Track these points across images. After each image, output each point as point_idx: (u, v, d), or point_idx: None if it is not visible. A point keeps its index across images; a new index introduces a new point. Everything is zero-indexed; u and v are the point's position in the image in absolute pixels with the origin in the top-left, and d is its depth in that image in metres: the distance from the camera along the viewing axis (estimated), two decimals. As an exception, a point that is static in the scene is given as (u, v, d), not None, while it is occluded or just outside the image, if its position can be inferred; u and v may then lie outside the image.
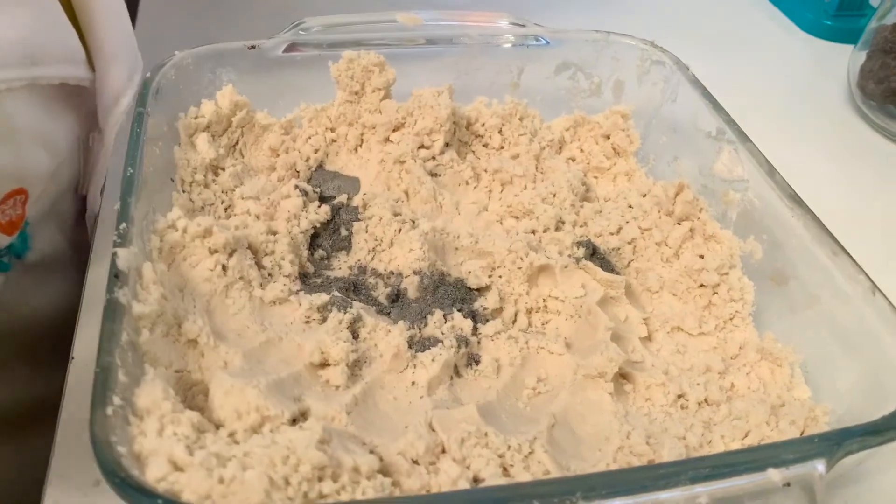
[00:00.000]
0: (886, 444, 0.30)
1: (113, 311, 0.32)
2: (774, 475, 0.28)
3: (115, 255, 0.34)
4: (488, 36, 0.55)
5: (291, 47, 0.52)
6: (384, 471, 0.31)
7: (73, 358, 0.42)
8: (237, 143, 0.50)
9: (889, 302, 0.36)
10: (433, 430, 0.33)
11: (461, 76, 0.56)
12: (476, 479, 0.31)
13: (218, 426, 0.31)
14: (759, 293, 0.43)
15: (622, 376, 0.40)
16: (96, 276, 0.46)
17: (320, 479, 0.28)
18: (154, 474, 0.26)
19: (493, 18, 0.56)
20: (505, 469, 0.32)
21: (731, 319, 0.43)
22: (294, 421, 0.32)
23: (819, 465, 0.29)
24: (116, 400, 0.28)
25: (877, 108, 0.65)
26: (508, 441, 0.33)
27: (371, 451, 0.32)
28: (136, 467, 0.27)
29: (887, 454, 0.38)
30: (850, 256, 0.39)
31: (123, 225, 0.36)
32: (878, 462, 0.40)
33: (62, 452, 0.37)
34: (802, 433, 0.36)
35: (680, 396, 0.39)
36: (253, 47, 0.51)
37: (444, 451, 0.32)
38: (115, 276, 0.33)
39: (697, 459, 0.30)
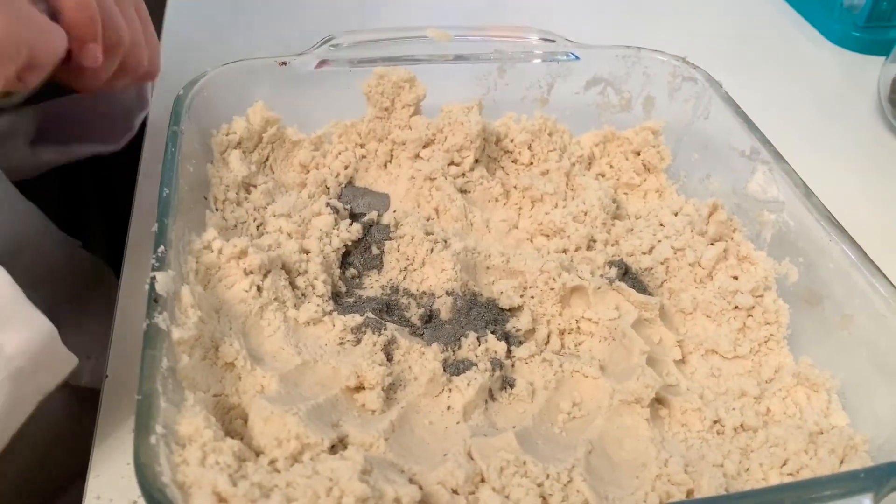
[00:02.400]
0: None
1: (154, 337, 0.32)
2: (821, 512, 0.28)
3: (153, 279, 0.34)
4: (518, 51, 0.55)
5: (322, 63, 0.52)
6: (424, 500, 0.31)
7: (107, 376, 0.42)
8: (267, 158, 0.50)
9: (931, 329, 0.36)
10: (472, 459, 0.33)
11: (490, 91, 0.56)
12: (516, 510, 0.31)
13: (258, 453, 0.31)
14: (795, 316, 0.43)
15: (657, 401, 0.39)
16: (128, 293, 0.46)
17: (363, 511, 0.28)
18: (199, 506, 0.27)
19: (523, 33, 0.55)
20: (544, 499, 0.32)
21: (765, 342, 0.43)
22: (333, 448, 0.32)
23: (866, 501, 0.28)
24: (159, 429, 0.28)
25: (908, 122, 0.64)
26: (547, 469, 0.33)
27: (410, 480, 0.32)
28: (180, 497, 0.27)
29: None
30: (890, 282, 0.38)
31: (161, 248, 0.36)
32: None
33: (98, 472, 0.38)
34: (842, 463, 0.35)
35: (716, 422, 0.39)
36: (284, 63, 0.51)
37: (483, 480, 0.32)
38: (155, 301, 0.33)
39: (742, 495, 0.29)
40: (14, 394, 0.35)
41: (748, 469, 0.36)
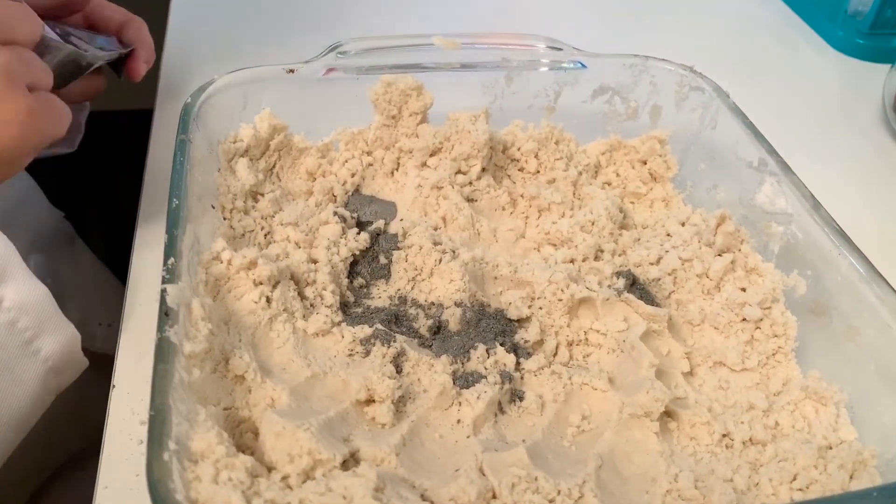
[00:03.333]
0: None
1: (165, 351, 0.32)
2: (834, 531, 0.28)
3: (164, 291, 0.34)
4: (525, 60, 0.55)
5: (329, 70, 0.51)
6: (436, 517, 0.31)
7: (114, 386, 0.42)
8: (274, 166, 0.50)
9: (940, 344, 0.36)
10: (483, 475, 0.33)
11: (497, 99, 0.56)
12: (528, 526, 0.31)
13: (269, 468, 0.31)
14: (802, 328, 0.43)
15: (666, 414, 0.39)
16: (134, 300, 0.46)
17: (376, 529, 0.28)
18: (213, 524, 0.26)
19: (530, 41, 0.55)
20: (556, 514, 0.32)
21: (773, 355, 0.43)
22: (345, 463, 0.32)
23: (878, 521, 0.28)
24: (172, 445, 0.28)
25: (913, 131, 0.64)
26: (558, 485, 0.33)
27: (422, 496, 0.32)
28: (194, 515, 0.27)
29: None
30: (899, 296, 0.39)
31: (171, 260, 0.35)
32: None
33: (106, 483, 0.37)
34: (851, 478, 0.35)
35: (725, 435, 0.39)
36: (292, 71, 0.51)
37: (494, 496, 0.32)
38: (166, 314, 0.33)
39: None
40: (43, 392, 0.39)
41: (758, 484, 0.36)
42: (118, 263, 0.58)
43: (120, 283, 0.59)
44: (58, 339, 0.39)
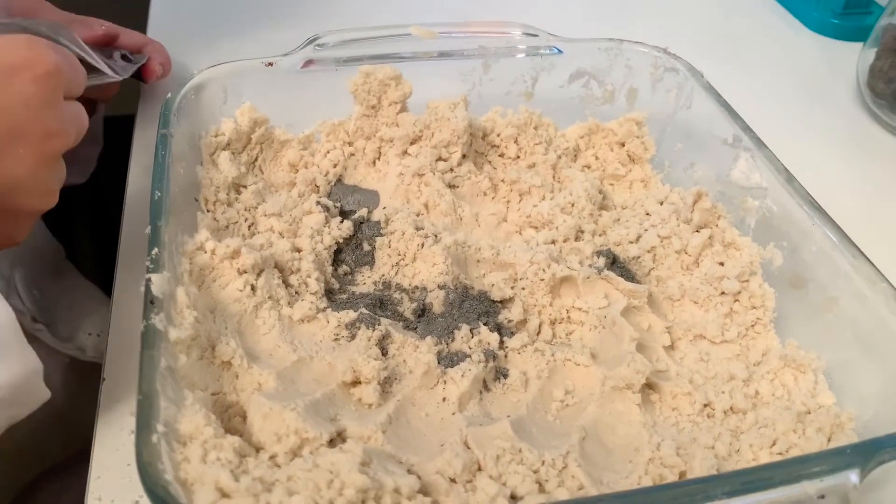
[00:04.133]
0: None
1: (151, 338, 0.32)
2: (809, 487, 0.29)
3: (148, 280, 0.34)
4: (502, 47, 0.55)
5: (308, 63, 0.52)
6: (423, 490, 0.31)
7: (104, 379, 0.42)
8: (256, 159, 0.51)
9: (912, 309, 0.37)
10: (468, 448, 0.34)
11: (476, 87, 0.56)
12: (513, 496, 0.32)
13: (258, 449, 0.32)
14: (780, 300, 0.44)
15: (648, 386, 0.40)
16: (122, 295, 0.46)
17: (363, 502, 0.28)
18: (202, 502, 0.27)
19: (506, 28, 0.56)
20: (540, 485, 0.33)
21: (752, 326, 0.44)
22: (332, 442, 0.33)
23: (853, 476, 0.29)
24: (160, 427, 0.29)
25: (887, 107, 0.65)
26: (542, 456, 0.33)
27: (409, 471, 0.32)
28: (183, 494, 0.27)
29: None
30: (872, 263, 0.39)
31: (155, 250, 0.36)
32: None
33: (99, 473, 0.38)
34: (829, 440, 0.36)
35: (706, 405, 0.39)
36: (270, 64, 0.51)
37: (480, 469, 0.33)
38: (151, 303, 0.34)
39: (733, 474, 0.30)
40: None
41: (738, 450, 0.37)
42: (106, 277, 0.59)
43: (106, 296, 0.60)
44: (13, 368, 0.35)
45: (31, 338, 0.54)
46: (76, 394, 0.54)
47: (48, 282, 0.60)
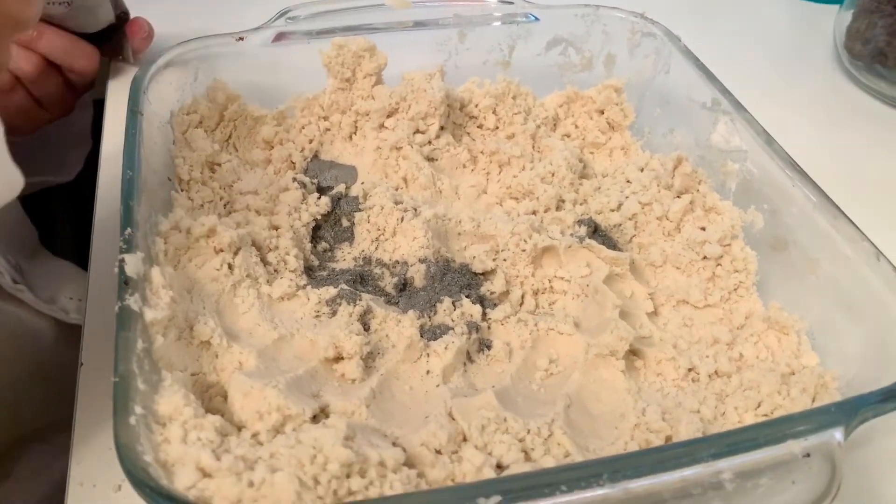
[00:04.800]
0: (900, 410, 0.31)
1: (126, 319, 0.31)
2: (794, 446, 0.29)
3: (122, 261, 0.34)
4: (477, 15, 0.55)
5: (280, 37, 0.51)
6: (408, 462, 0.31)
7: (81, 364, 0.41)
8: (230, 136, 0.50)
9: (894, 267, 0.37)
10: (453, 419, 0.34)
11: (452, 57, 0.55)
12: (499, 465, 0.32)
13: (240, 428, 0.31)
14: (762, 262, 0.44)
15: (632, 353, 0.40)
16: (98, 278, 0.46)
17: (348, 476, 0.28)
18: (183, 482, 0.27)
19: (482, -3, 0.55)
20: (526, 453, 0.32)
21: (735, 290, 0.43)
22: (315, 418, 0.32)
23: (837, 434, 0.29)
24: (138, 409, 0.28)
25: (864, 68, 0.65)
26: (528, 425, 0.33)
27: (394, 444, 0.32)
28: (164, 475, 0.27)
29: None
30: (853, 223, 0.39)
31: (128, 230, 0.35)
32: (885, 424, 0.40)
33: (80, 458, 0.37)
34: (814, 400, 0.36)
35: (690, 370, 0.39)
36: (241, 39, 0.50)
37: (465, 440, 0.33)
38: (125, 283, 0.33)
39: (718, 436, 0.30)
40: None
41: (724, 413, 0.37)
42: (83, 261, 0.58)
43: (84, 271, 0.59)
44: None
45: (14, 300, 0.54)
46: (61, 355, 0.53)
47: (24, 259, 0.59)
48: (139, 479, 0.26)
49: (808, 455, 0.29)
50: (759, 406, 0.36)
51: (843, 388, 0.37)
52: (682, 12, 0.73)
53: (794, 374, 0.38)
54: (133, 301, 0.32)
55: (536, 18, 0.55)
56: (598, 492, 0.27)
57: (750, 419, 0.36)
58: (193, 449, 0.28)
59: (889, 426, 0.40)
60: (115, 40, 0.59)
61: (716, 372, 0.39)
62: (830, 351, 0.40)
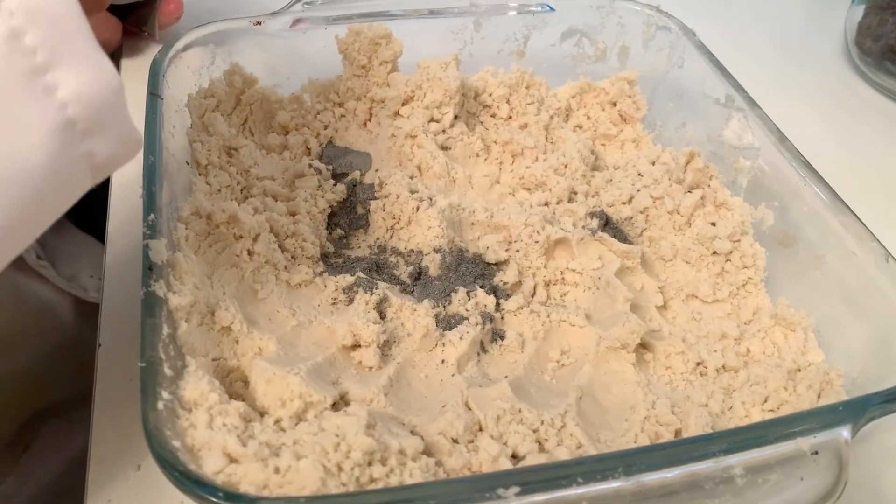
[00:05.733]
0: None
1: (152, 305, 0.32)
2: (803, 444, 0.29)
3: (146, 247, 0.34)
4: (493, 4, 0.55)
5: (297, 22, 0.51)
6: (426, 451, 0.32)
7: (100, 345, 0.42)
8: (246, 121, 0.50)
9: (901, 267, 0.37)
10: (469, 409, 0.34)
11: (467, 45, 0.56)
12: (514, 456, 0.32)
13: (262, 413, 0.32)
14: (771, 259, 0.44)
15: (642, 346, 0.41)
16: (114, 262, 0.46)
17: (370, 464, 0.29)
18: (211, 467, 0.27)
19: (498, -15, 0.55)
20: (540, 444, 0.33)
21: (743, 286, 0.44)
22: (335, 405, 0.33)
23: (844, 432, 0.30)
24: (165, 394, 0.29)
25: (874, 65, 0.65)
26: (541, 416, 0.34)
27: (412, 432, 0.33)
28: (191, 460, 0.28)
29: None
30: (861, 222, 0.40)
31: (151, 216, 0.36)
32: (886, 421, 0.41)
33: (100, 438, 0.38)
34: (819, 397, 0.37)
35: (699, 364, 0.40)
36: (259, 23, 0.50)
37: (481, 429, 0.34)
38: (150, 269, 0.33)
39: (730, 432, 0.31)
40: (59, 155, 0.25)
41: (731, 407, 0.37)
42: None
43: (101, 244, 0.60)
44: (86, 75, 0.24)
45: (37, 276, 0.54)
46: (81, 331, 0.53)
47: (49, 232, 0.59)
48: (168, 461, 0.27)
49: (817, 452, 0.30)
50: (765, 401, 0.37)
51: (848, 385, 0.38)
52: (692, 4, 0.73)
53: (800, 370, 0.39)
54: (158, 287, 0.33)
55: (552, 9, 0.55)
56: (612, 484, 0.28)
57: (756, 414, 0.37)
58: (219, 434, 0.29)
59: (890, 423, 0.41)
60: (141, 14, 0.59)
61: (723, 366, 0.40)
62: (835, 347, 0.40)
